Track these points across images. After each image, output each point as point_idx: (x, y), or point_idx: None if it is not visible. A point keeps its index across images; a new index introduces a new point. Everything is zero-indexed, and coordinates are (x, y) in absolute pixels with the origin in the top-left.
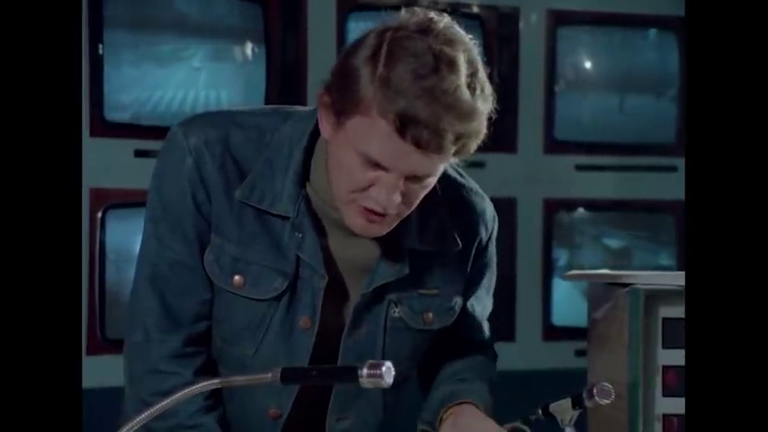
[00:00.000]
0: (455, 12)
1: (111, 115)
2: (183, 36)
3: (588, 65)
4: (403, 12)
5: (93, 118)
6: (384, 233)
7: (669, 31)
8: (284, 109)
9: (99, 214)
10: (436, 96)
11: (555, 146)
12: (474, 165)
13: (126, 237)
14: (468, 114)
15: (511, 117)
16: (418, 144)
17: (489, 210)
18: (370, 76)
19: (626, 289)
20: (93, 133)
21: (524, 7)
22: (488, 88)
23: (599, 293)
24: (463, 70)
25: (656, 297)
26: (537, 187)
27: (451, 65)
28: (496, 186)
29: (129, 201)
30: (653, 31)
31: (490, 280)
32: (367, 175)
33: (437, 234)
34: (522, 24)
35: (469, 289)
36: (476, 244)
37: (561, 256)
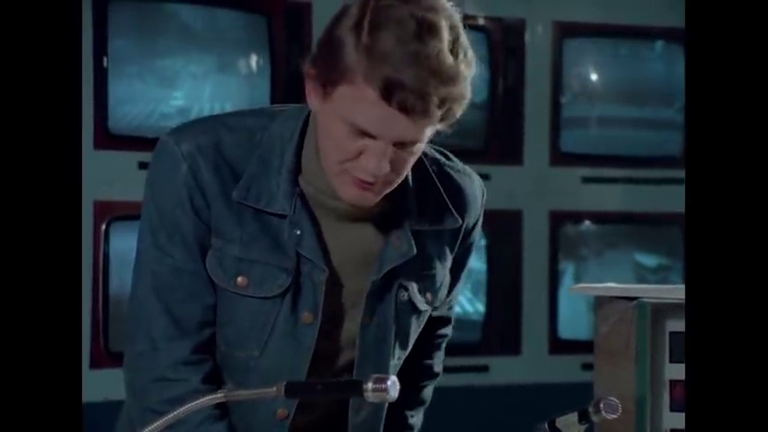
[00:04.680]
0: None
1: (116, 128)
2: (188, 49)
3: (594, 76)
4: None
5: (98, 130)
6: (376, 201)
7: (676, 43)
8: (270, 108)
9: (103, 226)
10: (420, 61)
11: (561, 158)
12: (479, 177)
13: (130, 249)
14: (451, 78)
15: (517, 129)
16: (404, 109)
17: (479, 188)
18: (354, 45)
19: (632, 303)
20: (97, 145)
21: (530, 19)
22: (471, 54)
23: (605, 307)
24: (445, 35)
25: (662, 311)
26: (543, 200)
27: (433, 30)
28: (502, 199)
29: (134, 213)
30: (660, 43)
31: (469, 260)
32: (356, 143)
33: (435, 213)
34: (528, 36)
35: (454, 268)
36: (465, 223)
37: (567, 269)
